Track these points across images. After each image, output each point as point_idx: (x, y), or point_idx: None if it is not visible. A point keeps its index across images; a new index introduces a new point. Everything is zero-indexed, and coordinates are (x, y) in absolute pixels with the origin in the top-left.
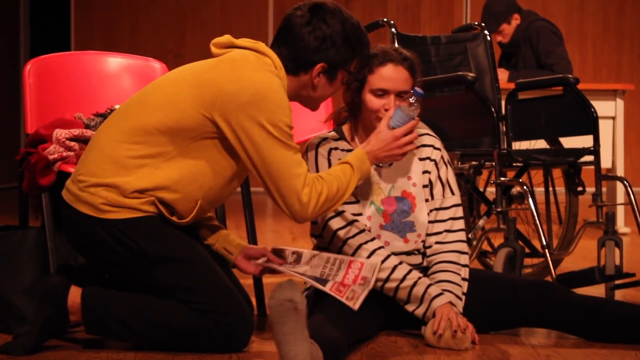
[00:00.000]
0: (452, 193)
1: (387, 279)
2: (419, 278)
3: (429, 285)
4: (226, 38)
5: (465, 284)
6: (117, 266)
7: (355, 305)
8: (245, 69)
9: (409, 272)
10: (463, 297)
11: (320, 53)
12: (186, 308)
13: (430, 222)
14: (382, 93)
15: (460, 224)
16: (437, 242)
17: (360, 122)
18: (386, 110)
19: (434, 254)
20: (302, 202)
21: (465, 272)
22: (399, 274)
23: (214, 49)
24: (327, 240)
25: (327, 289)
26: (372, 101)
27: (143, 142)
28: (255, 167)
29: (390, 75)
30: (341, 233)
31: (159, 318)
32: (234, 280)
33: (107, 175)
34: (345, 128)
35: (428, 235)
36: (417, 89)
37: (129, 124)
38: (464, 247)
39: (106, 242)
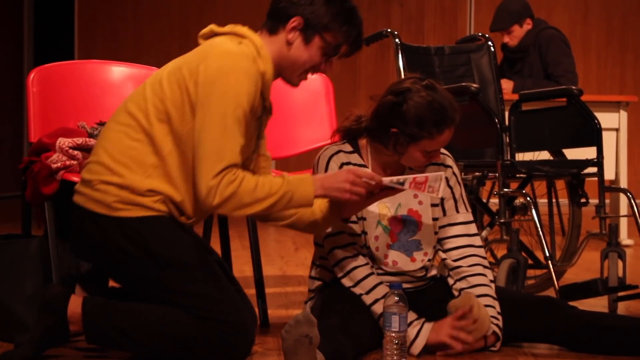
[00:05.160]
0: (467, 209)
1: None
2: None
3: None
4: (209, 28)
5: (497, 303)
6: (125, 266)
7: (439, 194)
8: (216, 49)
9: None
10: (500, 317)
11: (297, 7)
12: (188, 317)
13: (448, 237)
14: (432, 152)
15: (479, 240)
16: (462, 258)
17: (380, 149)
18: None
19: (461, 267)
20: (209, 186)
21: (494, 288)
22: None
23: (199, 41)
24: (326, 251)
25: (406, 186)
26: (419, 159)
27: (145, 134)
28: (194, 137)
29: (446, 138)
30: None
31: (160, 328)
32: (239, 290)
33: (117, 172)
34: (361, 143)
35: (447, 250)
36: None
37: (131, 120)
38: (487, 262)
39: (116, 241)
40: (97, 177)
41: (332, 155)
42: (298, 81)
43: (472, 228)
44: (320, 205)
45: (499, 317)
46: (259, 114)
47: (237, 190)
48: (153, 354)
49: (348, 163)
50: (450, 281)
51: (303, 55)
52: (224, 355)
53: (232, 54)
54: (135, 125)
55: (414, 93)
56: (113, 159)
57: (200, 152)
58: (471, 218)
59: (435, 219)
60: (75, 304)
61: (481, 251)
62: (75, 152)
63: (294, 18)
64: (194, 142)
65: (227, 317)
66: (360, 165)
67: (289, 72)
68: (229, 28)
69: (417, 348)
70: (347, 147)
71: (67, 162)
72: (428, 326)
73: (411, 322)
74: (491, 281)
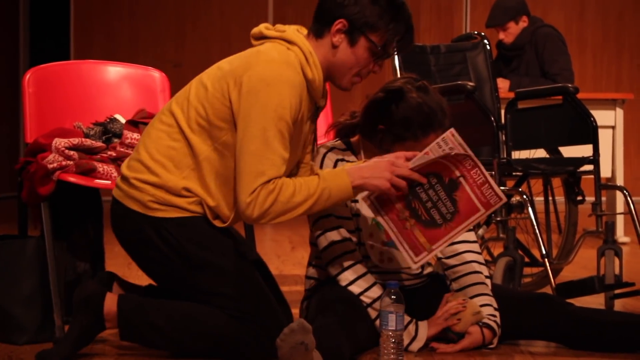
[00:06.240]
0: None
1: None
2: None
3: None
4: (259, 29)
5: (493, 300)
6: (160, 265)
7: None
8: (261, 58)
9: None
10: (498, 313)
11: (342, 8)
12: (223, 317)
13: None
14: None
15: (474, 235)
16: (457, 254)
17: (370, 146)
18: None
19: (458, 265)
20: (247, 202)
21: (490, 285)
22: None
23: (252, 41)
24: (320, 250)
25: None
26: None
27: (185, 138)
28: (236, 148)
29: (430, 142)
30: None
31: (195, 327)
32: (275, 291)
33: (154, 172)
34: (354, 140)
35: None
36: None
37: (173, 121)
38: (482, 258)
39: (152, 240)
40: (134, 174)
41: (326, 152)
42: (349, 85)
43: None
44: None
45: (496, 313)
46: (308, 116)
47: (276, 199)
48: (188, 352)
49: (342, 160)
50: (447, 279)
51: (350, 58)
52: (258, 356)
53: (276, 64)
54: (175, 126)
55: (405, 93)
56: (152, 157)
57: (241, 166)
58: None
59: None
60: (111, 301)
61: (476, 247)
62: (72, 153)
63: (338, 20)
64: (234, 151)
65: (262, 318)
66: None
67: (337, 75)
68: (278, 32)
69: (419, 342)
70: (341, 145)
71: (63, 163)
72: (423, 323)
73: (406, 325)
74: (487, 277)
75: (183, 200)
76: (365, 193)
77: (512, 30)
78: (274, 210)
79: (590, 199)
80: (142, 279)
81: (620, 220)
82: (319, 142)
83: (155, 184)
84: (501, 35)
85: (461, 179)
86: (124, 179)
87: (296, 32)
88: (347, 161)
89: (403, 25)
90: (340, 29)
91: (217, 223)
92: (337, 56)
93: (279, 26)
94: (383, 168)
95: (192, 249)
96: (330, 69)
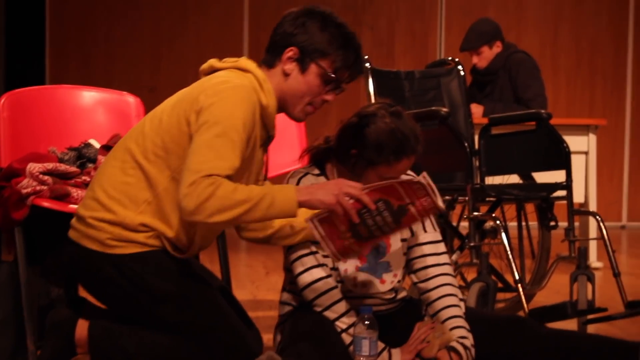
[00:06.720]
0: (434, 228)
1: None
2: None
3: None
4: (208, 63)
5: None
6: (124, 302)
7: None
8: (216, 79)
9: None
10: (470, 335)
11: (292, 37)
12: (193, 344)
13: (416, 258)
14: (389, 179)
15: (447, 257)
16: (431, 278)
17: (343, 171)
18: None
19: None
20: (184, 193)
21: (463, 308)
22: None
23: (200, 76)
24: (294, 275)
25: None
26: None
27: (141, 170)
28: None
29: (403, 167)
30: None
31: (166, 354)
32: (243, 316)
33: (110, 209)
34: (328, 165)
35: (416, 271)
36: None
37: (128, 156)
38: (455, 281)
39: (113, 278)
40: (90, 213)
41: (300, 178)
42: (301, 114)
43: (441, 247)
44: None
45: (468, 335)
46: (260, 143)
47: (214, 192)
48: None
49: None
50: (423, 304)
51: (301, 85)
52: None
53: (232, 83)
54: (130, 160)
55: (378, 118)
56: (107, 194)
57: (186, 164)
58: (439, 237)
59: (404, 240)
60: (82, 327)
61: (449, 269)
62: (46, 178)
63: (289, 48)
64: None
65: (231, 345)
66: None
67: (290, 104)
68: (231, 62)
69: None
70: (315, 170)
71: (38, 188)
72: (396, 350)
73: (380, 352)
74: (461, 300)
75: (141, 235)
76: (310, 215)
77: (486, 55)
78: (212, 204)
79: (563, 224)
80: None
81: (593, 246)
82: (293, 167)
83: (111, 221)
84: (475, 60)
85: (410, 206)
86: (80, 219)
87: (249, 61)
88: None
89: (352, 53)
90: (291, 56)
91: (177, 253)
92: (289, 84)
93: (229, 58)
94: (333, 185)
95: (154, 281)
96: (283, 97)
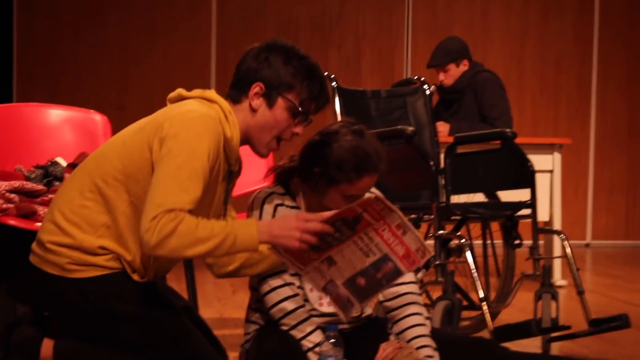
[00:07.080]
0: None
1: None
2: None
3: None
4: (177, 92)
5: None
6: (87, 326)
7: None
8: (182, 108)
9: None
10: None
11: (256, 73)
12: None
13: None
14: (351, 197)
15: (413, 276)
16: (396, 297)
17: (307, 189)
18: None
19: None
20: (146, 228)
21: (429, 326)
22: None
23: (167, 104)
24: (261, 295)
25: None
26: (338, 202)
27: (100, 194)
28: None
29: (365, 185)
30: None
31: None
32: (209, 335)
33: (68, 233)
34: (292, 184)
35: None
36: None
37: (87, 179)
38: (421, 300)
39: (74, 302)
40: (49, 237)
41: (265, 198)
42: (266, 150)
43: None
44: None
45: (435, 354)
46: (222, 176)
47: (176, 228)
48: None
49: (282, 204)
50: (389, 322)
51: (269, 120)
52: None
53: (197, 112)
54: (89, 183)
55: (340, 136)
56: (65, 218)
57: (148, 197)
58: None
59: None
60: (47, 346)
61: (415, 287)
62: (12, 196)
63: (255, 84)
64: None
65: None
66: (293, 207)
67: (256, 138)
68: (198, 92)
69: None
70: (280, 189)
71: (4, 206)
72: None
73: None
74: (427, 318)
75: (100, 258)
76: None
77: (452, 72)
78: (173, 241)
79: (528, 242)
80: None
81: (557, 264)
82: (259, 186)
83: (70, 246)
84: (441, 77)
85: (364, 214)
86: (40, 243)
87: (216, 93)
88: (287, 206)
89: (317, 84)
90: (257, 92)
91: (136, 277)
92: (257, 119)
93: (197, 89)
94: (292, 227)
95: (116, 304)
96: (249, 132)
